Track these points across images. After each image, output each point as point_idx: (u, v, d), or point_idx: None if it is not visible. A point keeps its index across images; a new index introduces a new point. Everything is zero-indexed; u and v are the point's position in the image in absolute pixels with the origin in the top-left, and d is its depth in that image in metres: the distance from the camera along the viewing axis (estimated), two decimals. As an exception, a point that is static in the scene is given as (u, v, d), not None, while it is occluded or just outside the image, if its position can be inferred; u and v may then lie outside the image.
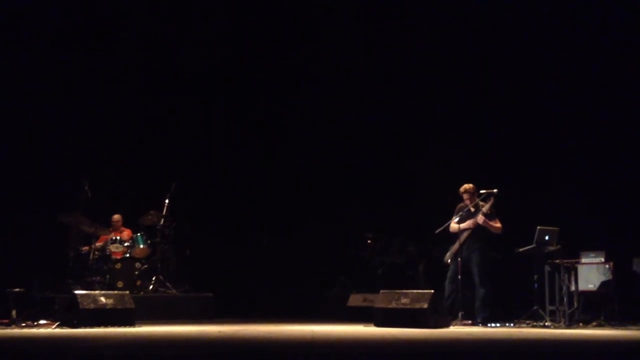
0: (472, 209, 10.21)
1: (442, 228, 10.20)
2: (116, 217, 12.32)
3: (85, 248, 11.80)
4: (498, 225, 10.12)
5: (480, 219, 10.04)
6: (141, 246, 12.05)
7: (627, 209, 11.55)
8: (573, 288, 10.06)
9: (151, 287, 11.86)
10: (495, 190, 10.06)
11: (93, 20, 13.32)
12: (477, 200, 10.21)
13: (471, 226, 10.06)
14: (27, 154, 12.87)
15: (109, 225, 12.20)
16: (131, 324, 9.55)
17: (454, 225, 10.22)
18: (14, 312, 9.80)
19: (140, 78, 13.62)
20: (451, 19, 13.24)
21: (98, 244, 11.86)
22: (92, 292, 9.91)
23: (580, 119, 12.16)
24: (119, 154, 13.42)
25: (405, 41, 13.57)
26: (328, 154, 13.93)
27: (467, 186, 10.32)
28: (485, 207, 10.06)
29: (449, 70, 13.28)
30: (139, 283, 11.83)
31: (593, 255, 10.47)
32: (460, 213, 10.23)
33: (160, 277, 11.93)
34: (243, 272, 13.41)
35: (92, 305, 9.37)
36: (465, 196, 10.32)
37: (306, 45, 13.92)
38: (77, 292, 9.62)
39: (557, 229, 10.05)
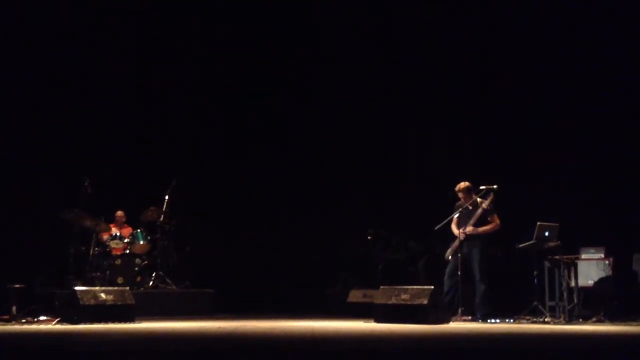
0: (470, 207, 10.20)
1: (441, 224, 10.20)
2: (119, 213, 12.36)
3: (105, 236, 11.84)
4: (490, 226, 10.09)
5: (469, 229, 10.04)
6: (141, 242, 12.07)
7: (626, 205, 11.55)
8: (573, 284, 10.07)
9: (151, 283, 11.88)
10: (495, 186, 10.05)
11: (93, 18, 13.31)
12: (476, 197, 10.20)
13: (461, 238, 10.05)
14: (28, 151, 12.87)
15: (110, 221, 12.21)
16: (131, 320, 9.57)
17: (453, 226, 10.24)
18: (14, 308, 9.82)
19: (140, 73, 13.62)
20: (451, 16, 13.23)
21: (105, 236, 11.87)
22: (92, 288, 9.94)
23: (580, 114, 12.16)
24: (119, 151, 13.42)
25: (406, 36, 13.57)
26: (329, 150, 13.92)
27: (461, 185, 10.25)
28: (485, 203, 10.06)
29: (448, 66, 13.28)
30: (139, 279, 11.86)
31: (593, 251, 10.48)
32: (460, 210, 10.23)
33: (161, 273, 11.95)
34: (243, 268, 13.41)
35: (92, 302, 9.38)
36: (460, 195, 10.27)
37: (303, 42, 13.90)
38: (77, 288, 9.64)
39: (557, 224, 10.04)
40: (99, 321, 9.24)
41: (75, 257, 11.65)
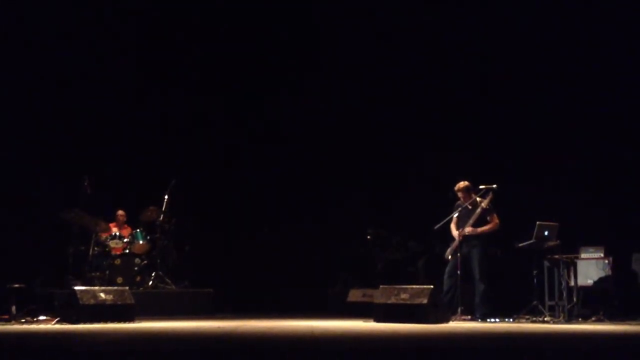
0: (470, 207, 10.20)
1: (441, 224, 10.21)
2: (121, 212, 12.37)
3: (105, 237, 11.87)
4: (489, 226, 10.09)
5: (468, 230, 10.04)
6: (140, 242, 12.07)
7: (626, 205, 11.55)
8: (572, 283, 10.07)
9: (151, 282, 11.88)
10: (494, 186, 10.05)
11: (93, 18, 13.31)
12: (475, 196, 10.20)
13: (459, 238, 10.06)
14: (28, 151, 12.88)
15: (110, 221, 12.22)
16: (131, 319, 9.57)
17: (452, 226, 10.24)
18: (13, 308, 9.82)
19: (140, 72, 13.62)
20: (451, 17, 13.24)
21: (104, 236, 11.87)
22: (92, 287, 9.94)
23: (580, 113, 12.17)
24: (119, 151, 13.43)
25: (406, 39, 13.57)
26: (329, 150, 13.92)
27: (460, 185, 10.26)
28: (484, 203, 10.06)
29: (448, 66, 13.28)
30: (138, 279, 11.86)
31: (592, 250, 10.48)
32: (459, 209, 10.23)
33: (160, 272, 11.95)
34: (243, 268, 13.41)
35: (91, 301, 9.38)
36: (460, 194, 10.27)
37: (303, 42, 13.92)
38: (76, 288, 9.64)
39: (556, 224, 10.05)
40: (99, 321, 9.24)
41: (75, 257, 11.65)
